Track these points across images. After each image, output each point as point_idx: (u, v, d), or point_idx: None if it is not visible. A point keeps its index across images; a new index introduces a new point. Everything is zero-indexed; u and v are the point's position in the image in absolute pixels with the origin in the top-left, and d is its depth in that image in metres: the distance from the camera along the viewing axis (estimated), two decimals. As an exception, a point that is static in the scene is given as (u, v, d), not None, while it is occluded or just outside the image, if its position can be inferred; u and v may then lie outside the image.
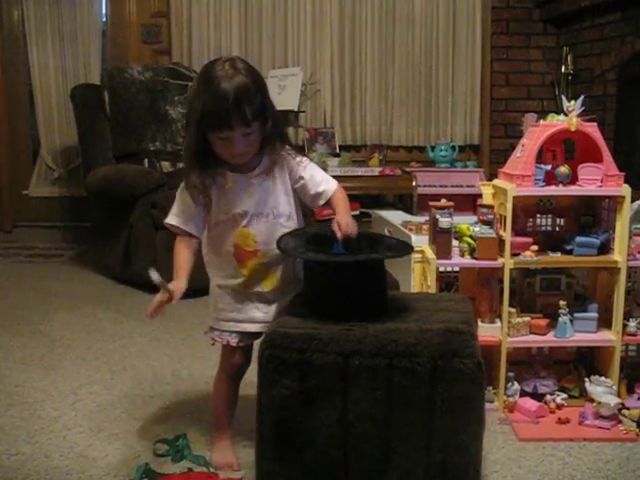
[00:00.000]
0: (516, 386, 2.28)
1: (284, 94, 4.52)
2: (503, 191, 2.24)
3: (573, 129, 2.19)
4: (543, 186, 2.24)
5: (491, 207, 2.31)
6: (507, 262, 2.23)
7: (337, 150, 4.90)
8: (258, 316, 1.89)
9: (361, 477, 1.57)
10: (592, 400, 2.19)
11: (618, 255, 2.23)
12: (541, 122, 2.27)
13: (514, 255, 2.24)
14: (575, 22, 4.75)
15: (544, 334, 2.30)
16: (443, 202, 2.33)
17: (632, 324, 2.29)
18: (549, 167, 2.25)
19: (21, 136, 5.15)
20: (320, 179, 1.87)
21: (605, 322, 2.31)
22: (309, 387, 1.55)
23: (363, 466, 1.57)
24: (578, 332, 2.29)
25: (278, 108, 1.87)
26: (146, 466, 1.88)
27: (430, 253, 2.31)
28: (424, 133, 5.14)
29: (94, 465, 1.95)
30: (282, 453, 1.58)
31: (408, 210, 4.27)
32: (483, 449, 1.64)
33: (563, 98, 2.29)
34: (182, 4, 4.97)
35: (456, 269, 2.44)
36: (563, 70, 4.81)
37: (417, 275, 2.41)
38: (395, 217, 3.62)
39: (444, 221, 2.26)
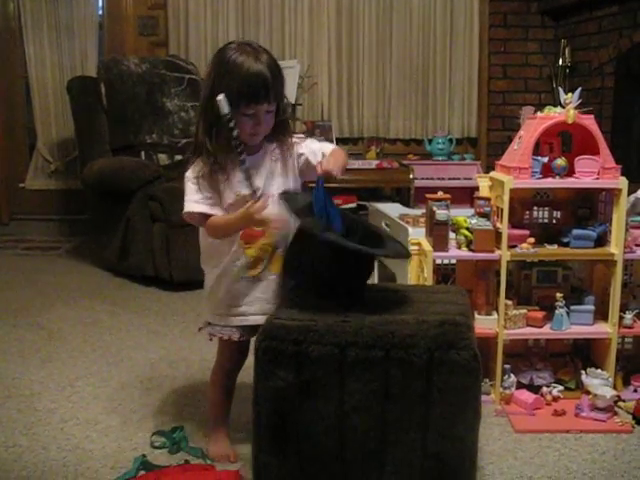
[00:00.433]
0: (512, 378, 2.29)
1: (281, 87, 4.50)
2: (500, 183, 2.24)
3: (570, 121, 2.19)
4: (540, 178, 2.24)
5: (488, 199, 2.31)
6: (504, 254, 2.23)
7: (334, 143, 4.89)
8: (267, 307, 1.84)
9: (357, 469, 1.57)
10: (588, 392, 2.20)
11: (615, 248, 2.24)
12: (538, 114, 2.27)
13: (511, 247, 2.24)
14: (573, 15, 4.74)
15: (540, 326, 2.30)
16: (440, 194, 2.33)
17: (628, 316, 2.30)
18: (546, 159, 2.25)
19: (18, 129, 5.13)
20: (318, 146, 1.92)
21: (601, 314, 2.32)
22: (305, 379, 1.55)
23: (359, 457, 1.57)
24: (574, 324, 2.30)
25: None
26: (143, 458, 1.88)
27: (427, 245, 2.31)
28: (421, 126, 5.14)
29: (91, 457, 1.95)
30: (278, 445, 1.58)
31: (405, 203, 4.27)
32: (479, 441, 1.64)
33: (560, 91, 2.29)
34: (179, -4, 4.95)
35: (453, 261, 2.44)
36: (561, 63, 4.80)
37: (414, 267, 2.41)
38: (392, 210, 3.61)
39: (441, 213, 2.26)
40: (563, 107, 2.22)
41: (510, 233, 2.24)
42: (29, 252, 4.66)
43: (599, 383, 2.20)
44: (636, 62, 4.11)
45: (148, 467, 1.85)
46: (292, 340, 1.55)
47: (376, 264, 3.41)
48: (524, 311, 2.30)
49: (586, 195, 2.35)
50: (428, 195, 2.37)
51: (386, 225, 3.41)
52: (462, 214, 2.39)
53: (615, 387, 2.26)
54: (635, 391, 2.30)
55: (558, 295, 2.27)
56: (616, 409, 2.20)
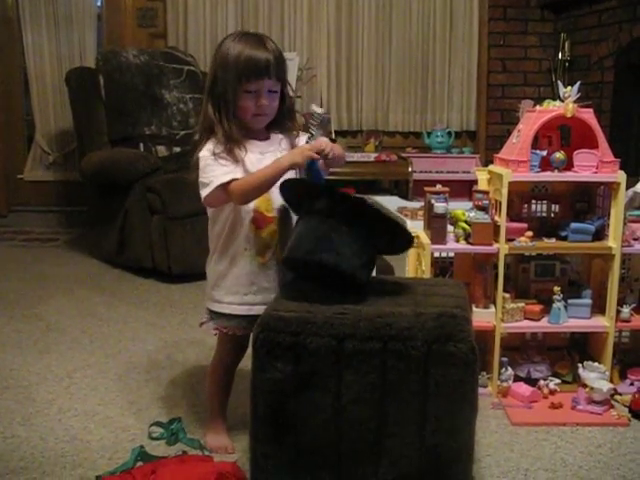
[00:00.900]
0: (510, 371, 2.30)
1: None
2: (498, 176, 2.24)
3: (569, 115, 2.19)
4: (538, 172, 2.24)
5: (486, 192, 2.31)
6: (502, 248, 2.23)
7: (333, 136, 4.88)
8: (270, 298, 1.78)
9: (354, 461, 1.58)
10: (585, 385, 2.20)
11: (612, 241, 2.24)
12: (537, 108, 2.27)
13: (509, 241, 2.24)
14: (572, 8, 4.73)
15: (538, 320, 2.31)
16: (438, 187, 2.33)
17: (625, 310, 2.30)
18: (545, 153, 2.25)
19: (16, 120, 5.11)
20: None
21: (599, 308, 2.32)
22: (303, 371, 1.55)
23: (356, 449, 1.57)
24: (572, 318, 2.30)
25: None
26: (141, 449, 1.88)
27: (425, 238, 2.31)
28: (420, 119, 5.13)
29: (89, 448, 1.95)
30: (276, 436, 1.58)
31: (404, 196, 4.27)
32: (476, 433, 1.65)
33: (559, 84, 2.28)
34: (178, -13, 4.94)
35: (451, 254, 2.44)
36: (560, 57, 4.80)
37: (412, 260, 2.42)
38: (391, 203, 3.62)
39: (439, 206, 2.26)
40: (562, 101, 2.21)
41: (508, 226, 2.24)
42: (27, 244, 4.65)
43: (596, 376, 2.20)
44: (636, 56, 4.10)
45: (146, 458, 1.86)
46: (290, 332, 1.55)
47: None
48: (522, 304, 2.31)
49: (584, 189, 2.35)
50: (426, 188, 2.37)
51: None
52: (460, 207, 2.39)
53: (612, 380, 2.27)
54: (631, 384, 2.31)
55: (556, 289, 2.27)
56: (612, 402, 2.20)
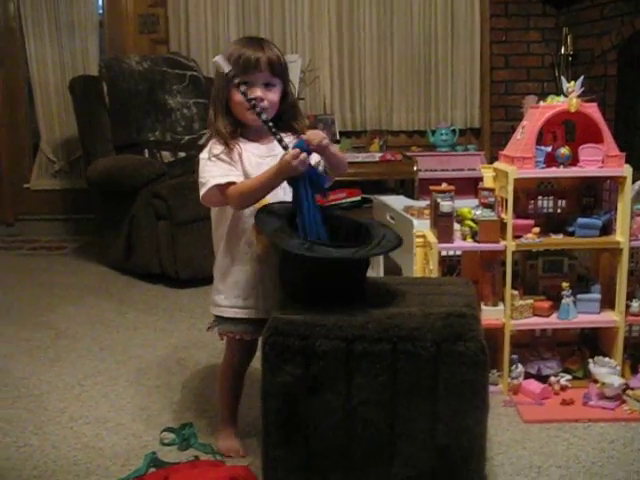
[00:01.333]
0: (520, 368, 2.29)
1: (283, 81, 4.50)
2: (504, 173, 2.24)
3: (573, 110, 2.18)
4: (544, 168, 2.23)
5: (492, 190, 2.31)
6: (509, 245, 2.22)
7: (337, 137, 4.88)
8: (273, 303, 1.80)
9: (366, 462, 1.58)
10: (596, 381, 2.19)
11: (620, 236, 2.23)
12: (541, 104, 2.26)
13: (516, 237, 2.24)
14: (574, 2, 4.71)
15: (547, 316, 2.30)
16: (444, 186, 2.33)
17: (635, 304, 2.29)
18: (549, 149, 2.24)
19: (21, 129, 5.13)
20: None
21: (608, 303, 2.31)
22: (313, 373, 1.55)
23: (368, 451, 1.57)
24: (581, 313, 2.30)
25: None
26: (153, 455, 1.89)
27: (432, 237, 2.31)
28: (424, 117, 5.12)
29: (101, 455, 1.96)
30: (287, 439, 1.58)
31: (409, 195, 4.26)
32: (488, 431, 1.64)
33: (563, 79, 2.28)
34: (179, -7, 4.95)
35: (458, 253, 2.44)
36: (563, 51, 4.79)
37: (419, 260, 2.41)
38: (397, 202, 3.61)
39: (445, 205, 2.26)
40: (566, 96, 2.21)
41: (515, 223, 2.23)
42: (35, 252, 4.67)
43: (607, 372, 2.19)
44: (639, 49, 4.08)
45: (158, 464, 1.86)
46: (299, 335, 1.55)
47: (382, 257, 3.41)
48: (530, 301, 2.30)
49: (591, 184, 2.35)
50: (432, 187, 2.36)
51: (391, 218, 3.41)
52: (467, 205, 2.39)
53: (623, 375, 2.26)
54: (643, 379, 2.30)
55: (564, 284, 2.26)
56: (624, 397, 2.19)
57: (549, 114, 2.19)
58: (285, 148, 1.72)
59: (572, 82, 2.20)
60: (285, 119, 1.89)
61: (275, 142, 1.77)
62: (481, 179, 2.44)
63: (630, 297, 2.30)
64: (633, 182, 2.24)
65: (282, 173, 1.70)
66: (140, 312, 3.27)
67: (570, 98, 2.19)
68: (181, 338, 2.91)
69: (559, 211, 2.37)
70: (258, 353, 1.71)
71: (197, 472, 1.79)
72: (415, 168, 4.41)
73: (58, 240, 4.95)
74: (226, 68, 1.76)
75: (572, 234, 2.27)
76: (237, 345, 1.93)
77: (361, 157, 4.57)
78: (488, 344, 1.57)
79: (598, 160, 2.20)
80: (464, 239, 2.30)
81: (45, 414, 2.22)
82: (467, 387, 1.53)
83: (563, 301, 2.27)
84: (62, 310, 3.31)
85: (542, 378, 2.30)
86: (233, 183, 1.77)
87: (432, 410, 1.54)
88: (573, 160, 2.24)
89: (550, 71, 4.99)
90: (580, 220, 2.26)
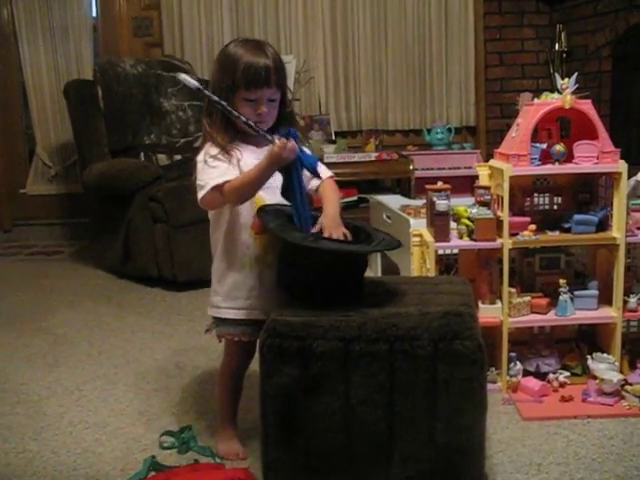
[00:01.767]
0: (519, 366, 2.29)
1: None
2: (499, 171, 2.24)
3: (567, 107, 2.19)
4: (539, 165, 2.24)
5: (488, 188, 2.31)
6: (506, 242, 2.23)
7: (333, 137, 4.89)
8: (271, 304, 1.81)
9: (366, 462, 1.58)
10: (595, 377, 2.20)
11: (616, 232, 2.23)
12: (535, 101, 2.26)
13: (512, 235, 2.24)
14: (567, -1, 4.72)
15: (545, 313, 2.30)
16: (440, 185, 2.33)
17: (632, 300, 2.29)
18: (545, 146, 2.24)
19: (16, 134, 5.13)
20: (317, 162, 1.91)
21: (605, 299, 2.31)
22: (311, 374, 1.55)
23: (367, 451, 1.57)
24: (579, 310, 2.30)
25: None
26: (153, 459, 1.88)
27: (428, 236, 2.31)
28: (420, 116, 5.13)
29: (101, 460, 1.96)
30: (286, 441, 1.59)
31: (406, 194, 4.26)
32: (487, 429, 1.65)
33: (557, 76, 2.28)
34: (172, -5, 4.95)
35: (455, 251, 2.44)
36: (557, 48, 4.79)
37: (416, 259, 2.41)
38: (393, 201, 3.61)
39: (441, 204, 2.26)
40: (560, 93, 2.21)
41: (511, 221, 2.23)
42: (32, 257, 4.67)
43: (605, 368, 2.20)
44: (633, 44, 4.09)
45: (158, 468, 1.86)
46: (296, 336, 1.55)
47: (379, 257, 3.41)
48: (528, 298, 2.30)
49: (586, 180, 2.35)
50: (428, 186, 2.37)
51: (387, 217, 3.41)
52: (463, 203, 2.39)
53: (621, 371, 2.26)
54: (642, 374, 2.30)
55: (561, 281, 2.26)
56: (623, 393, 2.19)
57: (543, 111, 2.19)
58: (271, 141, 1.73)
59: (566, 79, 2.20)
60: (280, 127, 1.87)
61: (263, 146, 1.81)
62: (477, 177, 2.44)
63: (627, 293, 2.30)
64: (628, 178, 2.24)
65: (273, 164, 1.72)
66: (138, 316, 3.26)
67: (564, 95, 2.19)
68: (180, 341, 2.91)
69: (555, 208, 2.38)
70: (257, 355, 1.70)
71: (197, 475, 1.79)
72: (411, 167, 4.41)
73: (55, 245, 4.95)
74: (193, 85, 1.76)
75: (568, 231, 2.27)
76: (235, 347, 1.93)
77: (357, 157, 4.57)
78: (486, 342, 1.57)
79: (593, 156, 2.20)
80: (461, 238, 2.30)
81: (44, 419, 2.22)
82: (465, 385, 1.54)
83: (560, 298, 2.27)
84: (60, 315, 3.31)
85: (541, 375, 2.30)
86: (229, 181, 1.78)
87: (430, 409, 1.54)
88: (568, 157, 2.24)
89: (545, 68, 5.00)
90: (576, 217, 2.26)
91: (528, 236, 2.24)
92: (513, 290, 2.28)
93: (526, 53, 5.10)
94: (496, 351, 2.31)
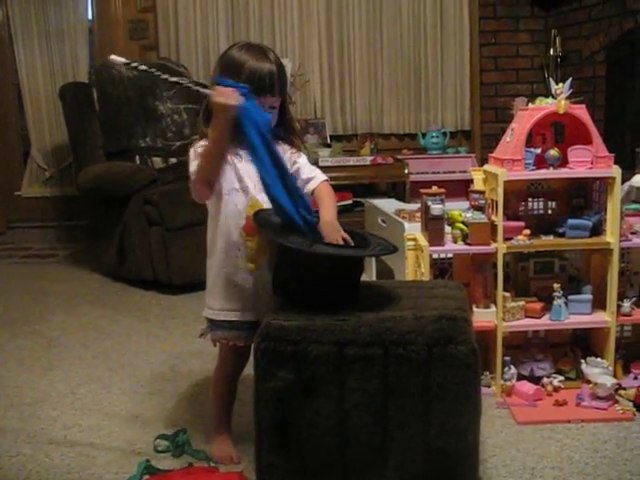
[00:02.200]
0: (513, 370, 2.30)
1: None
2: (494, 176, 2.25)
3: (562, 112, 2.19)
4: (533, 170, 2.24)
5: (482, 192, 2.31)
6: (500, 247, 2.23)
7: (328, 140, 4.90)
8: (263, 307, 1.81)
9: (360, 466, 1.58)
10: (589, 381, 2.20)
11: (610, 236, 2.24)
12: (530, 106, 2.27)
13: (507, 240, 2.24)
14: (562, 4, 4.74)
15: (539, 317, 2.31)
16: (434, 189, 2.34)
17: (626, 304, 2.30)
18: (539, 150, 2.25)
19: (11, 137, 5.12)
20: (312, 167, 1.94)
21: (599, 303, 2.32)
22: (305, 378, 1.55)
23: (361, 455, 1.57)
24: (573, 314, 2.30)
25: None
26: (147, 462, 1.88)
27: (423, 240, 2.32)
28: (415, 120, 5.14)
29: (95, 463, 1.95)
30: (281, 445, 1.59)
31: (401, 198, 4.27)
32: (481, 434, 1.65)
33: (551, 81, 2.29)
34: (168, -1, 4.95)
35: (449, 255, 2.45)
36: (552, 53, 4.81)
37: (411, 263, 2.41)
38: (388, 205, 3.62)
39: (436, 208, 2.27)
40: (554, 98, 2.22)
41: (505, 225, 2.24)
42: (27, 260, 4.66)
43: (599, 372, 2.20)
44: (627, 49, 4.11)
45: (152, 471, 1.85)
46: (291, 340, 1.55)
47: (374, 261, 3.41)
48: (522, 303, 2.31)
49: (580, 185, 2.36)
50: (423, 190, 2.37)
51: (382, 221, 3.41)
52: (458, 208, 2.40)
53: (615, 375, 2.27)
54: (635, 378, 2.30)
55: (556, 286, 2.27)
56: (617, 397, 2.20)
57: (538, 116, 2.20)
58: (205, 87, 1.73)
59: (560, 84, 2.21)
60: (285, 134, 1.90)
61: None
62: (472, 181, 2.45)
63: (621, 297, 2.31)
64: (622, 183, 2.25)
65: (217, 118, 1.70)
66: (133, 319, 3.26)
67: (559, 100, 2.20)
68: (174, 345, 2.90)
69: (549, 212, 2.39)
70: (251, 359, 1.70)
71: (191, 478, 1.79)
72: (406, 171, 4.42)
73: (50, 247, 4.94)
74: (120, 62, 1.76)
75: (563, 235, 2.28)
76: (230, 351, 1.93)
77: (352, 160, 4.58)
78: (480, 346, 1.57)
79: (587, 161, 2.21)
80: (455, 242, 2.31)
81: (38, 423, 2.22)
82: (459, 390, 1.54)
83: (555, 302, 2.27)
84: (55, 318, 3.30)
85: (535, 379, 2.30)
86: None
87: (424, 413, 1.54)
88: (562, 161, 2.25)
89: (539, 73, 5.01)
90: (570, 221, 2.27)
91: (522, 240, 2.25)
92: (507, 294, 2.28)
93: (521, 58, 5.11)
94: (490, 355, 2.31)
